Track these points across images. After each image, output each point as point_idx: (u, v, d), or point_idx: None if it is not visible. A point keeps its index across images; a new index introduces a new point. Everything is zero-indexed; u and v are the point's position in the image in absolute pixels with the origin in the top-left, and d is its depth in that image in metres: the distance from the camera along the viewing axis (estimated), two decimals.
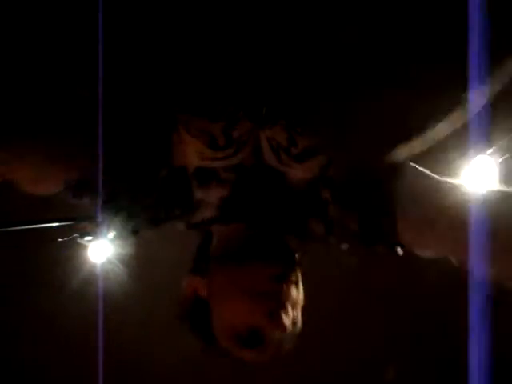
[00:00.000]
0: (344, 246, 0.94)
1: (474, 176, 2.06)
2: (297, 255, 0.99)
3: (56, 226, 2.27)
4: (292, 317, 0.95)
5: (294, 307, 0.94)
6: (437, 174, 2.53)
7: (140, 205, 0.98)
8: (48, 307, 2.94)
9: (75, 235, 2.43)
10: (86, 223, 2.60)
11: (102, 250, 2.50)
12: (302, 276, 1.05)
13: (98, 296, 2.41)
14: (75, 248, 2.49)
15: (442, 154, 2.58)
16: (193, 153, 0.99)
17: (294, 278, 0.93)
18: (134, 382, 3.06)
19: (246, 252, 0.96)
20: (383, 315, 3.07)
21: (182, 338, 3.13)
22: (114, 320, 2.61)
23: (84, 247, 2.44)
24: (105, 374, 2.43)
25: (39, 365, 3.13)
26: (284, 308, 0.90)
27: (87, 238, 2.53)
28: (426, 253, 0.91)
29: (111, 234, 2.76)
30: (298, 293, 0.93)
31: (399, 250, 0.90)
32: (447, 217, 0.85)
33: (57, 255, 2.61)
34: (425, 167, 2.70)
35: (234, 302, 0.94)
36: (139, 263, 2.76)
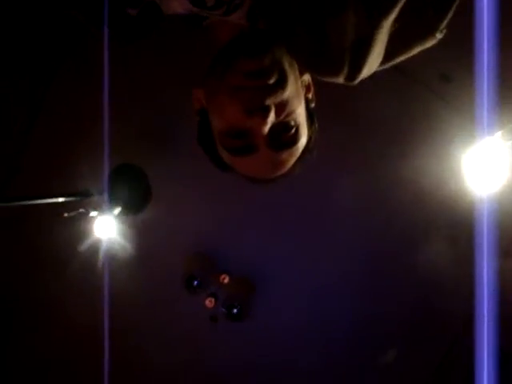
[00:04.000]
0: None
1: (481, 158, 2.05)
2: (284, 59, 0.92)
3: (62, 201, 2.28)
4: (279, 119, 0.87)
5: (281, 109, 0.87)
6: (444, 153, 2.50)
7: None
8: (53, 284, 2.96)
9: (81, 210, 2.45)
10: (91, 198, 2.62)
11: (108, 226, 2.51)
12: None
13: (104, 272, 2.43)
14: (80, 223, 2.50)
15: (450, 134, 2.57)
16: None
17: (274, 76, 0.85)
18: (139, 357, 3.12)
19: (231, 51, 0.92)
20: None
21: (187, 310, 3.19)
22: (118, 295, 2.64)
23: (89, 222, 2.45)
24: (110, 353, 2.45)
25: (44, 344, 3.17)
26: (263, 106, 0.85)
27: (93, 213, 2.55)
28: None
29: (116, 210, 2.78)
30: (283, 94, 0.86)
31: None
32: None
33: (62, 230, 2.63)
34: (432, 146, 2.71)
35: (220, 104, 0.89)
36: (143, 239, 2.78)
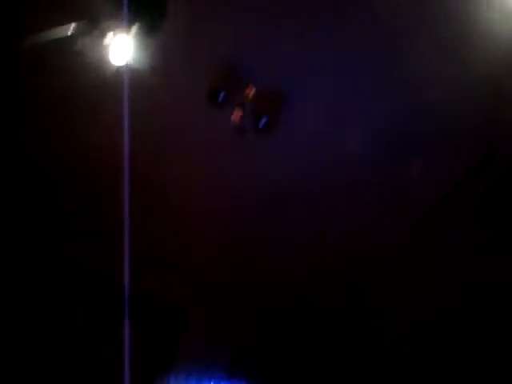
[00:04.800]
0: None
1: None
2: None
3: (73, 30, 2.26)
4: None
5: None
6: None
7: None
8: (72, 113, 3.03)
9: (95, 34, 2.42)
10: (106, 19, 2.55)
11: (124, 50, 2.48)
12: None
13: (123, 92, 2.46)
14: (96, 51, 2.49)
15: None
16: None
17: None
18: (161, 175, 3.23)
19: None
20: None
21: (213, 124, 3.22)
22: (141, 115, 2.69)
23: (105, 49, 2.44)
24: (130, 171, 2.58)
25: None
26: None
27: (108, 37, 2.51)
28: None
29: (134, 29, 2.70)
30: None
31: None
32: None
33: (77, 61, 2.61)
34: None
35: None
36: (163, 59, 2.74)
